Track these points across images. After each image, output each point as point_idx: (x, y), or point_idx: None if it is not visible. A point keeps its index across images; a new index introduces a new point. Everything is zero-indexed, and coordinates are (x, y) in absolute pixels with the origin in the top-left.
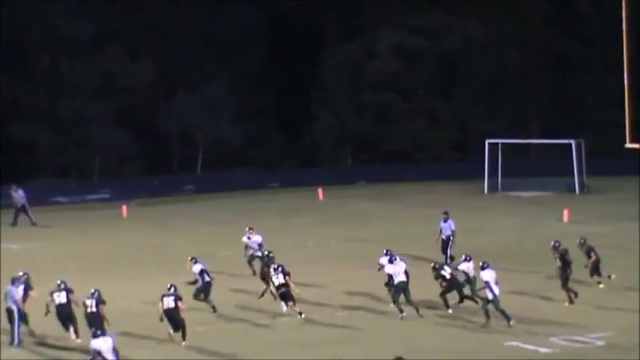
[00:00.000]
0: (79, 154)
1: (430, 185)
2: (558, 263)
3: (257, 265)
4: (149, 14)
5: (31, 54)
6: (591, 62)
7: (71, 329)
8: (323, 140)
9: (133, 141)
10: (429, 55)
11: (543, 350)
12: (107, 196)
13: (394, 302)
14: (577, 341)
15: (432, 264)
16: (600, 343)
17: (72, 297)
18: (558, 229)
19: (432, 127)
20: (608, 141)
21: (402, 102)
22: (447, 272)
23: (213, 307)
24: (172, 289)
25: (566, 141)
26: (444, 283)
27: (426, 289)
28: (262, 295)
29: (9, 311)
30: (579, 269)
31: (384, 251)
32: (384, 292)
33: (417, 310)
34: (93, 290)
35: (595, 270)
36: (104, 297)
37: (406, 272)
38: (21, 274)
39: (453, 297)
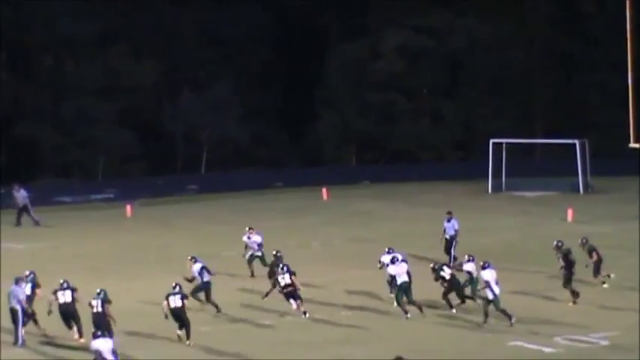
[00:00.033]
0: (83, 154)
1: (434, 185)
2: (561, 263)
3: (256, 265)
4: (153, 14)
5: (35, 54)
6: (595, 62)
7: (74, 329)
8: (327, 140)
9: (137, 141)
10: (433, 55)
11: (547, 350)
12: (111, 196)
13: (398, 303)
14: (581, 341)
15: (432, 265)
16: (604, 342)
17: (76, 295)
18: (562, 229)
19: (436, 126)
20: (612, 141)
21: (407, 102)
22: (446, 273)
23: (217, 307)
24: (177, 287)
25: (570, 141)
26: (445, 284)
27: (430, 289)
28: (267, 294)
29: (13, 311)
30: (582, 269)
31: (386, 249)
32: (388, 292)
33: (421, 309)
34: (99, 290)
35: (596, 270)
36: (108, 297)
37: (408, 273)
38: (27, 273)
39: (455, 297)
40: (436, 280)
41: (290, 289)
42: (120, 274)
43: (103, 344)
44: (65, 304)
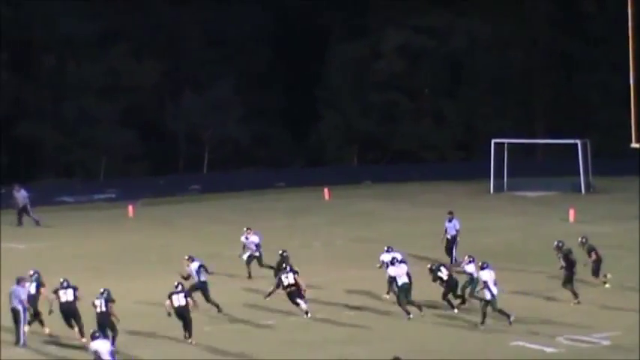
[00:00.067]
0: (84, 154)
1: (436, 185)
2: (562, 263)
3: (254, 265)
4: (155, 14)
5: (36, 53)
6: (597, 62)
7: (76, 329)
8: (329, 140)
9: (139, 141)
10: (434, 55)
11: (549, 350)
12: (113, 196)
13: (399, 304)
14: (583, 341)
15: (429, 265)
16: (606, 342)
17: (78, 294)
18: (564, 229)
19: (437, 126)
20: (613, 141)
21: (408, 102)
22: (444, 273)
23: (217, 307)
24: (180, 286)
25: (571, 141)
26: (444, 284)
27: (431, 289)
28: (270, 294)
29: (14, 311)
30: (583, 269)
31: (385, 248)
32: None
33: (420, 309)
34: (102, 290)
35: (596, 270)
36: (112, 296)
37: (408, 274)
38: (32, 272)
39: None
40: (434, 280)
41: (293, 288)
42: (121, 274)
43: (102, 345)
44: (67, 302)
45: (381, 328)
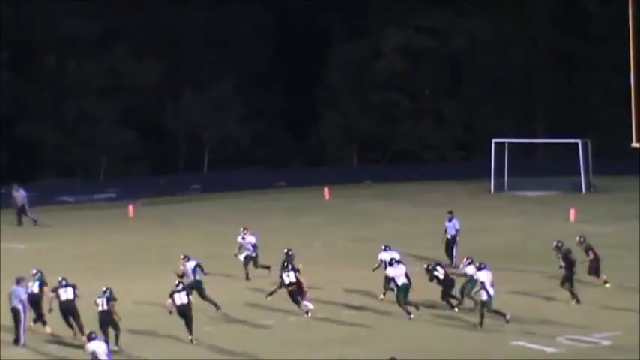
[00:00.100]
0: (84, 154)
1: (436, 185)
2: (561, 263)
3: (251, 265)
4: (155, 14)
5: (36, 53)
6: (597, 62)
7: (76, 328)
8: (329, 140)
9: (140, 141)
10: (434, 55)
11: (549, 350)
12: (113, 195)
13: (400, 304)
14: (583, 341)
15: (425, 265)
16: (606, 342)
17: (77, 292)
18: (565, 229)
19: (438, 126)
20: (614, 140)
21: (408, 101)
22: (440, 273)
23: (215, 305)
24: (181, 285)
25: (572, 140)
26: (441, 284)
27: (430, 289)
28: (272, 293)
29: (15, 310)
30: (581, 268)
31: (382, 247)
32: (390, 292)
33: (417, 307)
34: (104, 288)
35: (595, 269)
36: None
37: (406, 274)
38: (35, 271)
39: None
40: (430, 280)
41: (294, 287)
42: (122, 273)
43: (99, 346)
44: (67, 301)
45: (381, 328)
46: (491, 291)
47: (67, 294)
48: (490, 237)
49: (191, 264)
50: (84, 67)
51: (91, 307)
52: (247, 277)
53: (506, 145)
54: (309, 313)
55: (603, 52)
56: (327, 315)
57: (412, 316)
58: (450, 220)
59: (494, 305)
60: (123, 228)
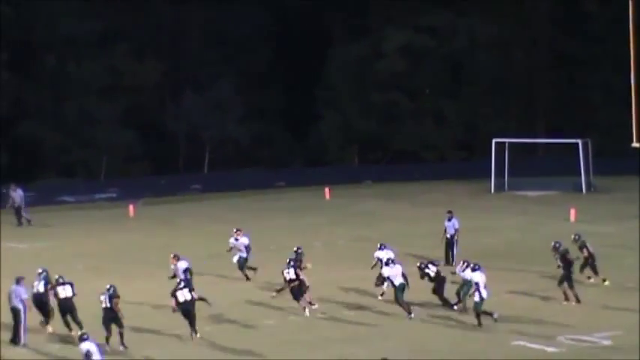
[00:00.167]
0: (85, 154)
1: (437, 185)
2: (559, 263)
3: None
4: (156, 14)
5: (37, 53)
6: (598, 61)
7: (75, 326)
8: (329, 140)
9: (140, 141)
10: (435, 55)
11: (550, 350)
12: (114, 195)
13: (399, 304)
14: (583, 341)
15: (418, 263)
16: (607, 342)
17: (75, 290)
18: (565, 229)
19: (438, 126)
20: (614, 140)
21: (409, 101)
22: (431, 271)
23: (206, 300)
24: (182, 283)
25: (572, 140)
26: (433, 281)
27: (429, 289)
28: (279, 291)
29: (15, 310)
30: (576, 267)
31: (378, 245)
32: (390, 292)
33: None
34: (108, 286)
35: (592, 267)
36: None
37: (403, 274)
38: (40, 270)
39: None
40: (422, 277)
41: (295, 284)
42: (122, 273)
43: (91, 346)
44: (66, 298)
45: (381, 328)
46: (484, 293)
47: (65, 292)
48: (490, 237)
49: (182, 264)
50: (84, 67)
51: (90, 306)
52: (247, 278)
53: (507, 144)
54: (307, 311)
55: (603, 52)
56: (327, 315)
57: (412, 315)
58: (449, 220)
59: (494, 305)
60: (123, 228)
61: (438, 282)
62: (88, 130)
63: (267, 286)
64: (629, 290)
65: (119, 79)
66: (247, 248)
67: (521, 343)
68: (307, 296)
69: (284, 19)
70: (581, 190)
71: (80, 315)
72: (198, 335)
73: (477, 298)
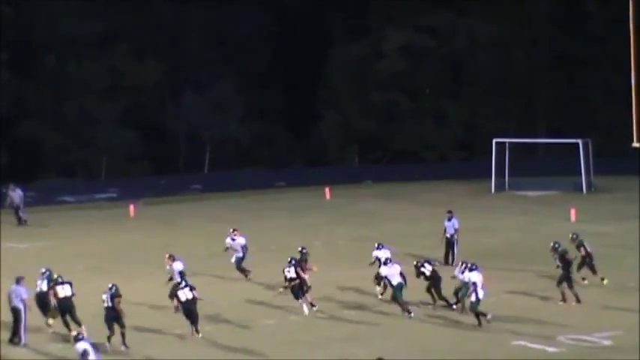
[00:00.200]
0: (85, 154)
1: (437, 184)
2: (558, 263)
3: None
4: (156, 14)
5: (37, 53)
6: (598, 61)
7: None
8: (330, 140)
9: (140, 140)
10: (435, 55)
11: (550, 350)
12: (114, 195)
13: (398, 303)
14: (584, 341)
15: (415, 262)
16: (607, 342)
17: (74, 290)
18: (566, 229)
19: (438, 126)
20: (615, 140)
21: (409, 101)
22: (427, 270)
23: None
24: (183, 282)
25: (573, 140)
26: (427, 280)
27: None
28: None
29: (15, 310)
30: (583, 270)
31: (376, 245)
32: (390, 292)
33: (408, 312)
34: (110, 285)
35: (590, 267)
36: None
37: (401, 274)
38: (43, 270)
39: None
40: (417, 276)
41: (295, 282)
42: (123, 273)
43: (87, 345)
44: (65, 298)
45: (381, 328)
46: (480, 293)
47: (64, 291)
48: (491, 237)
49: (177, 265)
50: (84, 67)
51: (90, 306)
52: (247, 277)
53: (507, 144)
54: (305, 307)
55: (603, 52)
56: (328, 314)
57: (412, 314)
58: (449, 220)
59: (494, 305)
60: (124, 228)
61: (434, 281)
62: (88, 130)
63: (267, 286)
64: (630, 290)
65: (119, 79)
66: (244, 248)
67: (522, 343)
68: (309, 296)
69: (284, 19)
70: (582, 190)
71: (80, 315)
72: (199, 335)
73: (472, 298)
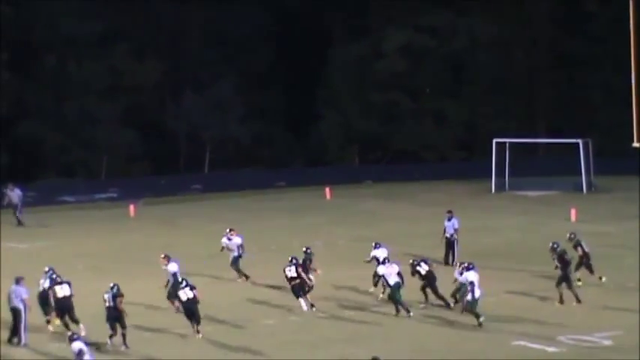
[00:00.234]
0: (86, 154)
1: (437, 184)
2: (556, 263)
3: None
4: (155, 14)
5: (37, 53)
6: (598, 61)
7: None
8: (330, 139)
9: (141, 140)
10: (435, 55)
11: (550, 350)
12: (114, 195)
13: (398, 303)
14: (584, 341)
15: (411, 261)
16: (607, 342)
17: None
18: (566, 229)
19: (438, 126)
20: (615, 140)
21: (409, 101)
22: (422, 268)
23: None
24: (184, 282)
25: (573, 140)
26: (422, 279)
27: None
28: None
29: (15, 310)
30: (583, 271)
31: (373, 244)
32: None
33: (398, 311)
34: (112, 285)
35: (587, 266)
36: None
37: (399, 273)
38: (47, 269)
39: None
40: (413, 274)
41: (295, 282)
42: (123, 273)
43: (83, 345)
44: (64, 297)
45: (381, 328)
46: (477, 293)
47: (63, 291)
48: (491, 237)
49: (172, 266)
50: (84, 67)
51: (90, 306)
52: (247, 278)
53: (507, 144)
54: (304, 304)
55: (603, 52)
56: (328, 315)
57: (412, 314)
58: (449, 220)
59: (494, 305)
60: (124, 228)
61: (429, 280)
62: (88, 130)
63: (268, 286)
64: (630, 290)
65: (119, 79)
66: (239, 248)
67: (522, 343)
68: (309, 297)
69: (284, 19)
70: (582, 190)
71: (80, 315)
72: (200, 335)
73: (469, 297)
